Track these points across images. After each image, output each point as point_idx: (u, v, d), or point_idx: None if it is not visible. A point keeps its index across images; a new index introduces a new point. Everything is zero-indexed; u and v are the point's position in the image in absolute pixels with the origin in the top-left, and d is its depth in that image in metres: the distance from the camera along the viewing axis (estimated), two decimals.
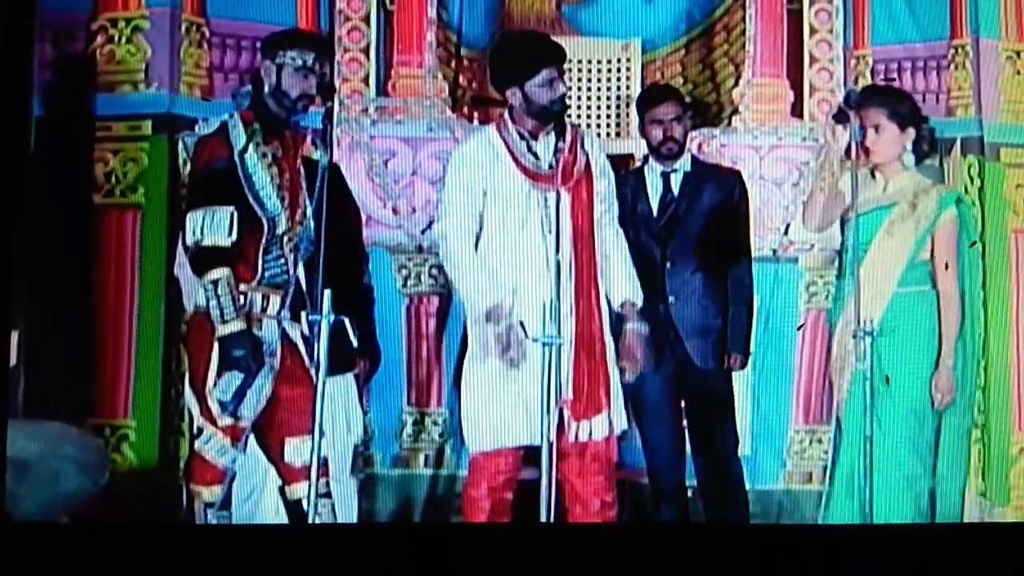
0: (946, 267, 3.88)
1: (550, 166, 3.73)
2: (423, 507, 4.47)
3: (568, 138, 3.78)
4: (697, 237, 4.15)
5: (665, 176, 4.21)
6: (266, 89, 3.65)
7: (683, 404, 4.18)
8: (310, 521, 3.54)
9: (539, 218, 3.70)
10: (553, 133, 3.76)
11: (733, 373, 4.22)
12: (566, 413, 3.66)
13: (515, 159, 3.74)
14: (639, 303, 3.82)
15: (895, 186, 3.91)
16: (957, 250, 3.90)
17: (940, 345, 3.85)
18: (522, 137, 3.76)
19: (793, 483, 4.39)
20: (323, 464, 3.62)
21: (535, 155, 3.75)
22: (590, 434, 3.70)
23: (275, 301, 3.63)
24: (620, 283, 3.81)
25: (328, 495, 3.65)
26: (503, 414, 3.69)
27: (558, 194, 3.66)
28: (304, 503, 3.55)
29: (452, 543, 3.51)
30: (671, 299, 4.09)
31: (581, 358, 3.70)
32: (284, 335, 3.63)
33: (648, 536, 3.65)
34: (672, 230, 4.15)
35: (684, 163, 4.23)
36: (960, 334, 3.88)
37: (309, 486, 3.51)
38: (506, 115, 3.81)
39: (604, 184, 3.83)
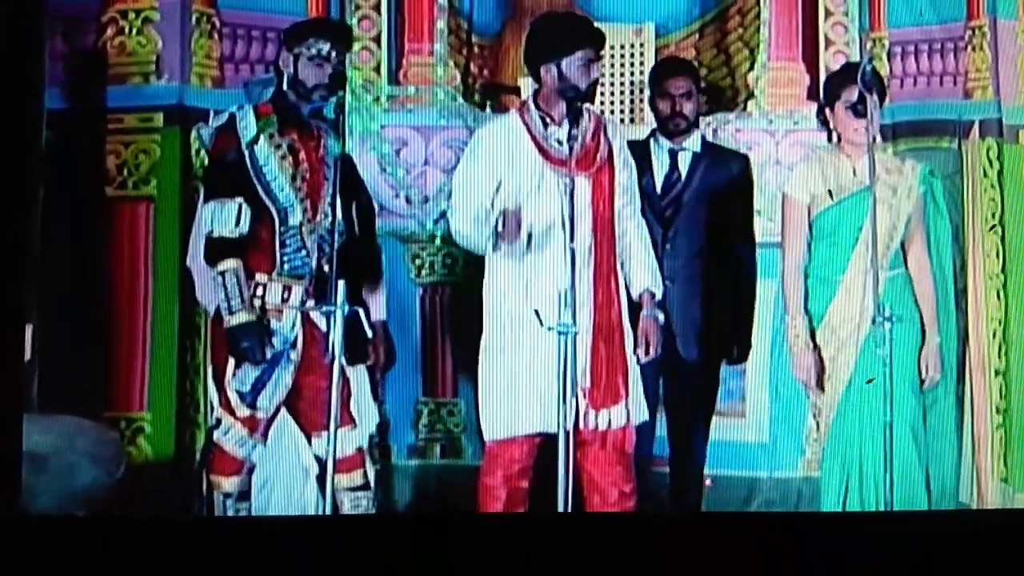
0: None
1: (571, 148, 3.68)
2: (439, 498, 4.46)
3: (592, 125, 3.75)
4: (701, 221, 4.07)
5: (673, 154, 4.12)
6: (285, 81, 3.67)
7: (665, 389, 4.09)
8: (342, 513, 3.57)
9: (557, 205, 3.66)
10: (577, 119, 3.72)
11: (741, 362, 4.18)
12: (584, 401, 3.64)
13: (536, 143, 3.71)
14: (659, 294, 3.79)
15: (861, 168, 3.86)
16: (924, 223, 3.91)
17: (923, 323, 3.84)
18: (545, 123, 3.73)
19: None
20: (359, 454, 3.68)
21: (557, 141, 3.71)
22: (609, 423, 3.68)
23: (297, 292, 3.64)
24: (640, 273, 3.78)
25: (366, 487, 3.68)
26: (517, 402, 3.68)
27: (572, 181, 3.63)
28: (340, 495, 3.62)
29: (468, 533, 3.51)
30: (667, 283, 3.95)
31: (599, 346, 3.68)
32: (308, 326, 3.63)
33: (665, 526, 3.64)
34: (676, 212, 4.06)
35: (693, 142, 4.15)
36: (937, 309, 3.88)
37: (325, 475, 3.55)
38: (530, 100, 3.79)
39: (626, 175, 3.80)
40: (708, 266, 4.07)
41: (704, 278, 4.06)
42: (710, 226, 4.08)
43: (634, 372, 3.74)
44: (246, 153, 3.64)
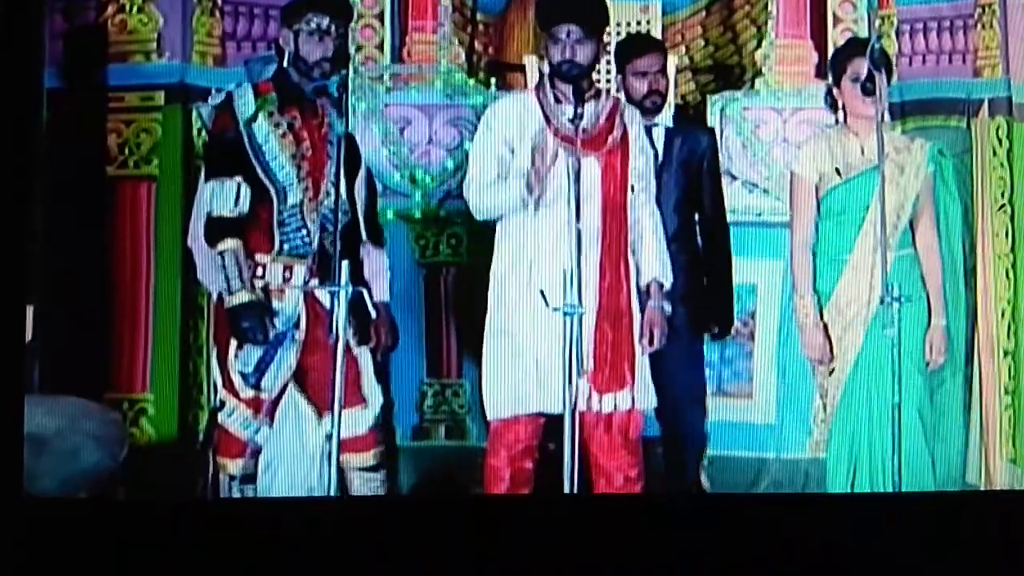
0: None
1: (583, 131, 3.65)
2: (444, 479, 4.44)
3: (608, 107, 3.72)
4: (681, 197, 4.04)
5: (647, 131, 4.03)
6: (286, 58, 3.65)
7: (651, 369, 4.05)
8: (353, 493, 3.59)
9: (564, 183, 3.61)
10: (594, 100, 3.69)
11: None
12: (588, 385, 3.62)
13: (547, 120, 3.67)
14: (667, 284, 3.76)
15: (870, 146, 3.84)
16: (933, 203, 3.89)
17: (929, 304, 3.82)
18: (557, 100, 3.69)
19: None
20: (372, 434, 3.67)
21: (569, 119, 3.65)
22: (614, 407, 3.66)
23: (299, 271, 3.62)
24: (650, 262, 3.75)
25: (378, 467, 3.68)
26: (520, 382, 3.67)
27: (578, 160, 3.60)
28: (351, 474, 3.64)
29: (472, 514, 3.50)
30: None
31: (606, 331, 3.66)
32: (312, 305, 3.60)
33: (672, 507, 3.63)
34: (658, 189, 3.98)
35: (666, 117, 4.12)
36: (945, 291, 3.86)
37: (327, 457, 3.56)
38: (546, 78, 3.76)
39: (643, 162, 3.77)
40: (689, 241, 4.03)
41: (686, 253, 4.02)
42: (688, 200, 4.05)
43: (642, 360, 3.71)
44: (244, 132, 3.62)
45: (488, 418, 3.75)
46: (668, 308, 3.75)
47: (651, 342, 3.71)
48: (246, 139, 3.61)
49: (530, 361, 3.65)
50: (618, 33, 4.72)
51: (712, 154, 4.16)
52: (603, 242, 3.66)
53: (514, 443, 3.70)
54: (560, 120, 3.68)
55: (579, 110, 3.63)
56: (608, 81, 4.59)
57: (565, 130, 3.66)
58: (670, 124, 4.13)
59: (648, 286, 3.74)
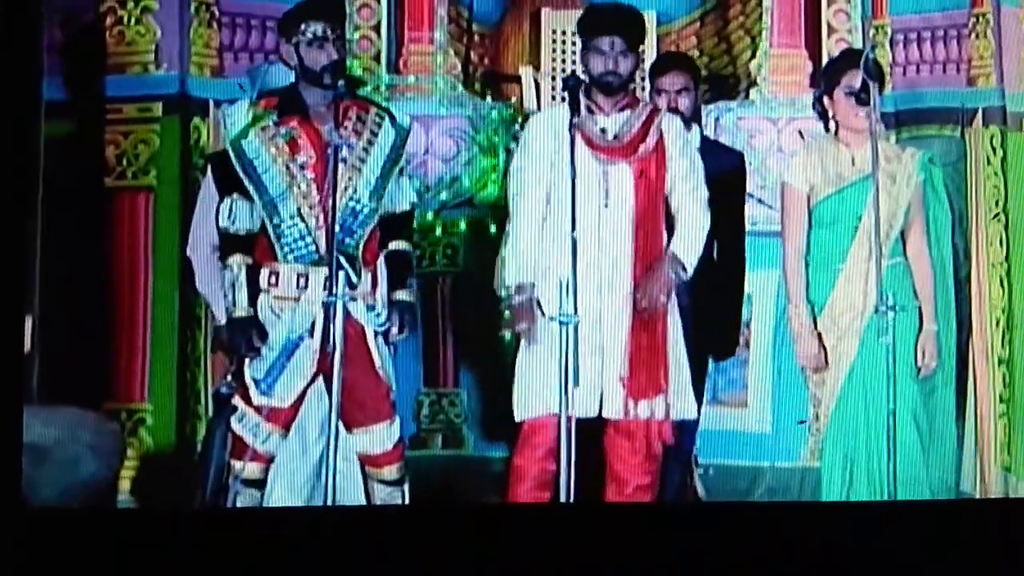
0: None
1: (615, 137, 3.69)
2: (441, 488, 4.45)
3: (641, 115, 3.75)
4: None
5: None
6: (295, 73, 3.65)
7: None
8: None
9: (579, 191, 3.59)
10: (628, 109, 3.73)
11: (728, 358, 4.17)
12: (622, 390, 3.63)
13: (580, 131, 3.68)
14: (687, 270, 3.74)
15: (861, 156, 3.85)
16: (923, 211, 3.89)
17: (921, 311, 3.84)
18: (591, 111, 3.71)
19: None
20: (398, 448, 3.69)
21: (602, 129, 3.69)
22: (651, 413, 3.66)
23: (315, 279, 3.60)
24: (680, 244, 3.75)
25: (399, 482, 3.70)
26: (533, 383, 3.68)
27: (574, 169, 3.59)
28: (373, 485, 3.66)
29: (469, 523, 3.51)
30: None
31: (641, 336, 3.66)
32: (331, 315, 3.58)
33: (666, 515, 3.63)
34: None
35: (692, 137, 4.08)
36: (936, 298, 3.88)
37: (365, 470, 3.64)
38: (581, 89, 3.78)
39: (686, 164, 3.78)
40: (704, 262, 4.05)
41: (700, 274, 4.04)
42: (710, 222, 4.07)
43: (680, 366, 3.71)
44: (231, 149, 3.62)
45: (516, 419, 3.75)
46: (682, 277, 3.72)
47: (646, 301, 3.67)
48: (233, 156, 3.62)
49: (542, 363, 3.65)
50: None
51: (739, 179, 4.14)
52: (636, 247, 3.68)
53: (540, 444, 3.69)
54: (593, 131, 3.70)
55: (574, 119, 3.62)
56: (643, 89, 4.62)
57: (597, 139, 3.69)
58: (697, 145, 4.08)
59: (672, 255, 3.72)
